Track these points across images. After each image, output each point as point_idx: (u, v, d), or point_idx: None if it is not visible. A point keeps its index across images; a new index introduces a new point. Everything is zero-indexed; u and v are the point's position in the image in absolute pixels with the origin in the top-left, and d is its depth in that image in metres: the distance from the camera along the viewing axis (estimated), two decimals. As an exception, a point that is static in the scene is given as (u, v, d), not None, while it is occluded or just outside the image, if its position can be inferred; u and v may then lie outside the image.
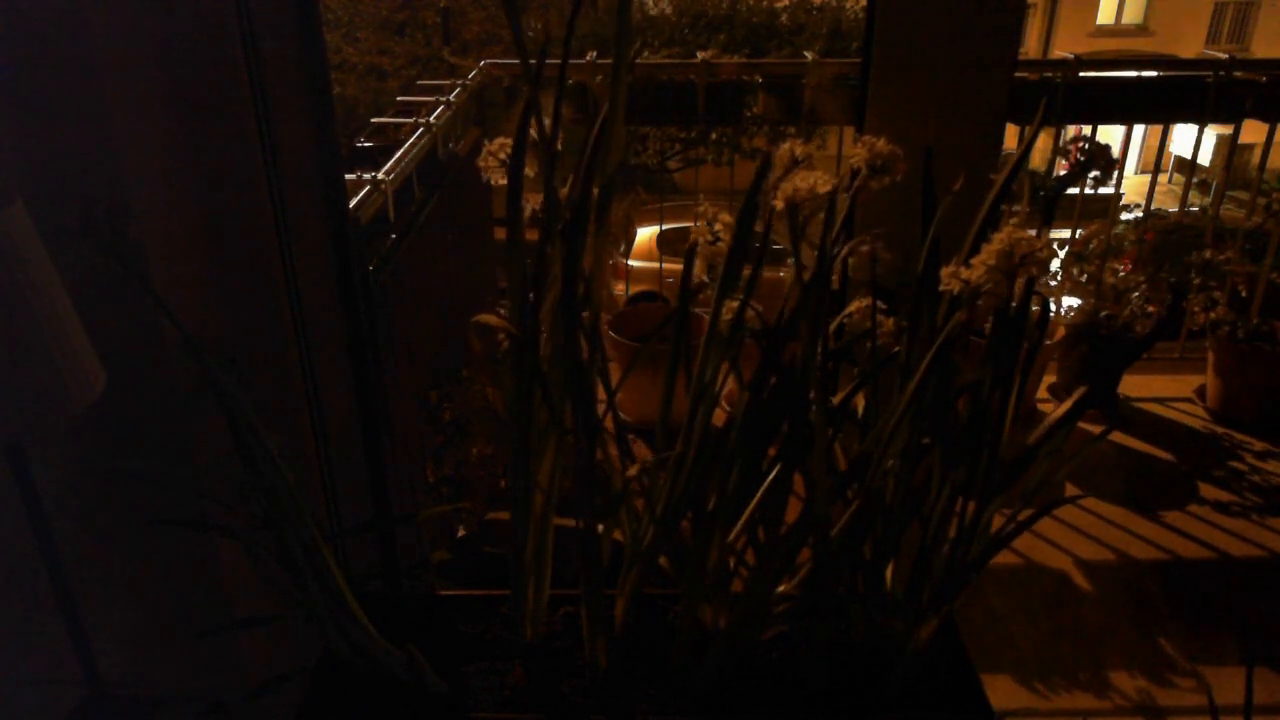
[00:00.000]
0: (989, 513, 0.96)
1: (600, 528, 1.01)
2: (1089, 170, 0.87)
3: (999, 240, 0.79)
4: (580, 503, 0.97)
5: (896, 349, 0.99)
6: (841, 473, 0.99)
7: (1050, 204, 0.90)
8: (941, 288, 0.84)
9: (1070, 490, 2.33)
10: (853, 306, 1.01)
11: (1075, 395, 0.98)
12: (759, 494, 0.97)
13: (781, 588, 1.02)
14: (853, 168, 0.91)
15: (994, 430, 0.91)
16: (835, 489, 0.97)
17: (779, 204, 0.86)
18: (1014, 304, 0.86)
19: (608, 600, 1.05)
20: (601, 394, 0.99)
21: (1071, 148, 0.85)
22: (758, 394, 0.92)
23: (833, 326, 1.01)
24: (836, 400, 1.01)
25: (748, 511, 0.98)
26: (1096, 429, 2.59)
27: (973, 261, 0.81)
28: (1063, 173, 0.93)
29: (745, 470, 0.97)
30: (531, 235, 0.94)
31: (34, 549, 1.02)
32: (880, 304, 0.99)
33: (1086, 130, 2.84)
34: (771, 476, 0.96)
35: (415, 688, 1.02)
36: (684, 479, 0.98)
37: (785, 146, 0.91)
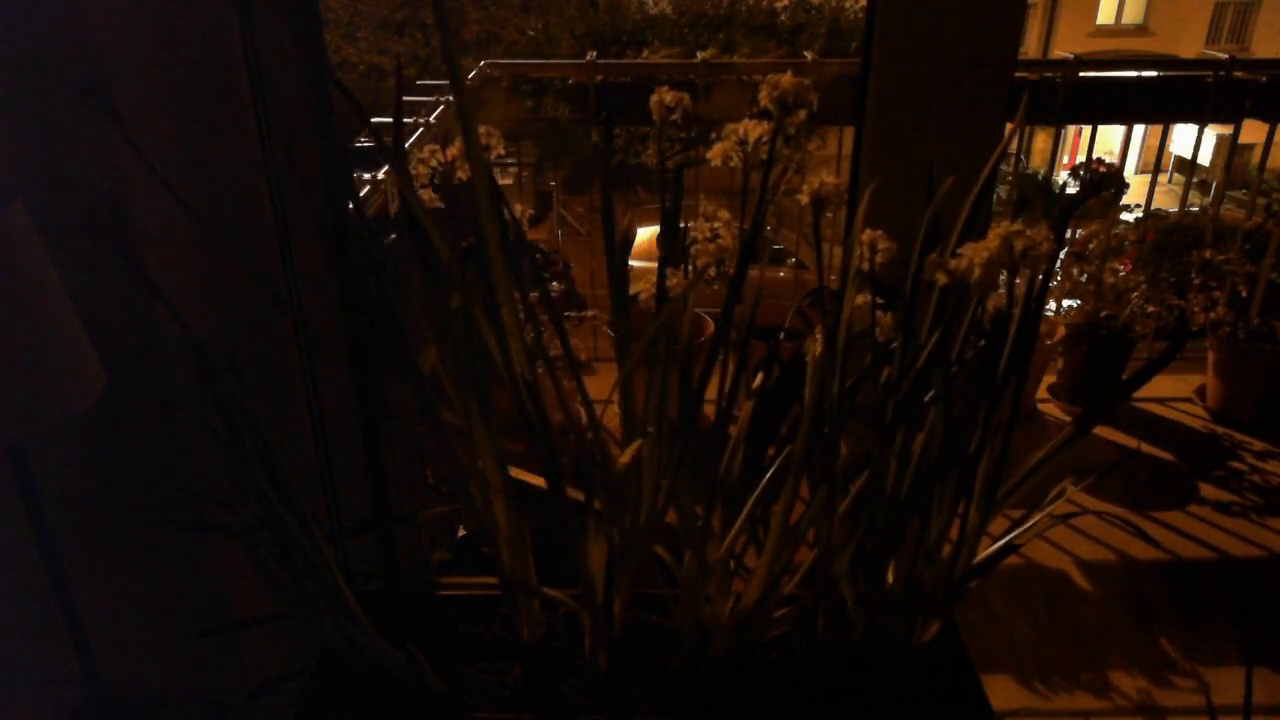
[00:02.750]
0: (990, 516, 0.96)
1: (593, 524, 1.01)
2: (1101, 190, 0.87)
3: (995, 235, 0.79)
4: (574, 501, 0.97)
5: (895, 345, 0.98)
6: (844, 462, 0.99)
7: (1064, 218, 0.90)
8: (925, 278, 0.83)
9: (1071, 493, 2.33)
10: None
11: (1079, 414, 0.98)
12: (758, 491, 0.97)
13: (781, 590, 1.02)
14: (762, 106, 0.82)
15: (1002, 431, 0.91)
16: (839, 483, 0.97)
17: (715, 160, 0.85)
18: (1015, 302, 0.86)
19: (606, 600, 1.05)
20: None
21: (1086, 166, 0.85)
22: (689, 384, 0.91)
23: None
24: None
25: (746, 510, 0.98)
26: (1099, 430, 2.60)
27: (960, 251, 0.81)
28: (1069, 175, 0.93)
29: (746, 467, 0.97)
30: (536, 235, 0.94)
31: (34, 549, 1.02)
32: (879, 299, 0.99)
33: (1086, 130, 2.84)
34: (770, 474, 0.96)
35: (415, 688, 1.02)
36: (653, 478, 0.98)
37: (654, 97, 0.88)
